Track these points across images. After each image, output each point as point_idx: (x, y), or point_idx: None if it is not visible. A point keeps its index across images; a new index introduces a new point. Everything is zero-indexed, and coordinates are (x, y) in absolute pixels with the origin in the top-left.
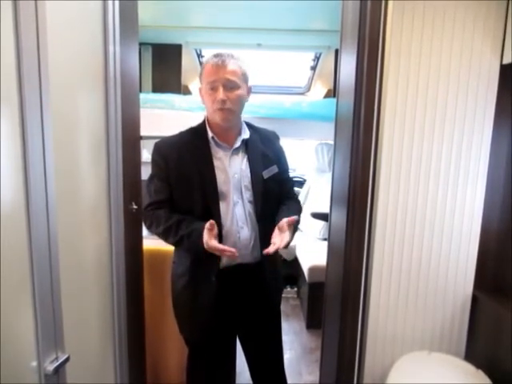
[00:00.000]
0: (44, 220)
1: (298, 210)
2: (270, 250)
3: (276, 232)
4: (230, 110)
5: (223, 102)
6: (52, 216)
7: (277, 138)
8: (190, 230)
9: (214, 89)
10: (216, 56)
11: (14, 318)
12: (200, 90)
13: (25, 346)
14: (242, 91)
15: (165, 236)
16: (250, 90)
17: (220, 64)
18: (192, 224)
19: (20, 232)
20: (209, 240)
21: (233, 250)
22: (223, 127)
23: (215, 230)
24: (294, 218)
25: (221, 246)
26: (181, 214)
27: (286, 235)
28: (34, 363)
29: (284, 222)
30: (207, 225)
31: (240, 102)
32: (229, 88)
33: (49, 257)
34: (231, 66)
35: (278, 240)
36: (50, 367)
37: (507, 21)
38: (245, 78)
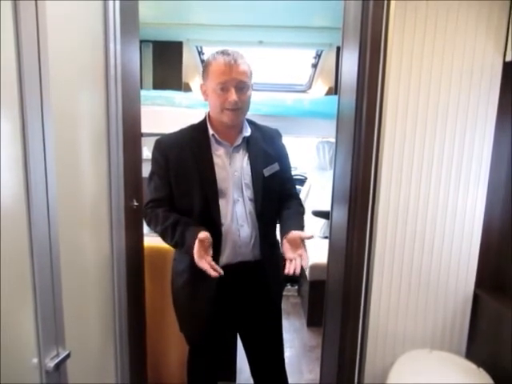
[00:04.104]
0: (45, 217)
1: (302, 213)
2: (297, 270)
3: (287, 246)
4: (241, 111)
5: (235, 102)
6: (53, 213)
7: (279, 135)
8: (184, 238)
9: (224, 89)
10: (224, 54)
11: (14, 314)
12: (202, 86)
13: (26, 343)
14: (251, 91)
15: (162, 237)
16: (252, 87)
17: (232, 64)
18: (187, 229)
19: (21, 229)
20: (197, 256)
21: (214, 273)
22: (226, 125)
23: (208, 242)
24: (309, 235)
25: (205, 267)
26: (181, 211)
27: (305, 253)
28: (35, 360)
29: (296, 236)
30: (200, 236)
31: (249, 103)
32: (240, 89)
33: (49, 253)
34: (242, 66)
35: (291, 255)
36: (51, 363)
37: (510, 18)
38: (251, 77)
